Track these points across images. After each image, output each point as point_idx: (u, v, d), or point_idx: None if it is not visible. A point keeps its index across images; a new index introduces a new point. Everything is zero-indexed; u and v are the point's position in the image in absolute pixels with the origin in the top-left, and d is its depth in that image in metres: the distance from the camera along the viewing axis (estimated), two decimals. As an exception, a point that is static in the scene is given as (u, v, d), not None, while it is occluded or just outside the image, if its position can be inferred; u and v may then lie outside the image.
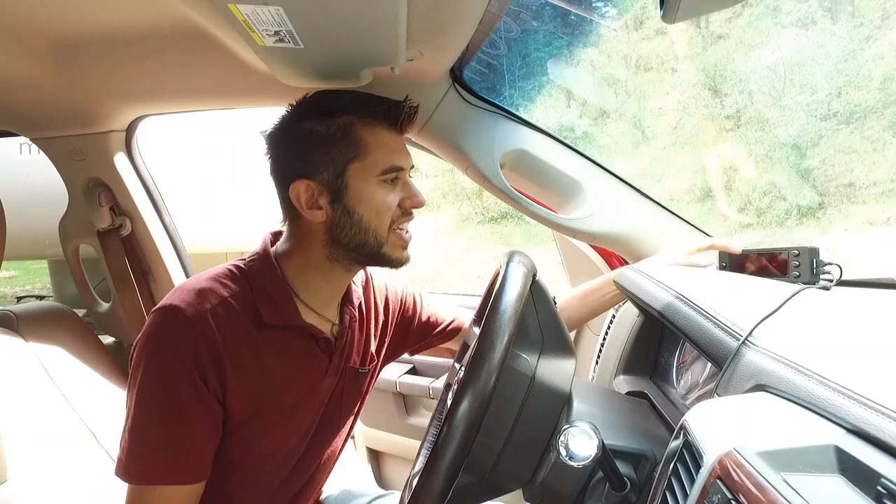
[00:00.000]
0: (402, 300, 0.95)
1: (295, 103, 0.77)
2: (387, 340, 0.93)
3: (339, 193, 0.73)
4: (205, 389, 0.68)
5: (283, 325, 0.75)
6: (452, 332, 1.00)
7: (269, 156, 0.78)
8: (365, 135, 0.73)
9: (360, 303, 0.87)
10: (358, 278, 0.89)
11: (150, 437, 0.68)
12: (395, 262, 0.78)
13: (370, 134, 0.73)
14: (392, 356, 0.97)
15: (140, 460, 0.68)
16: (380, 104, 0.75)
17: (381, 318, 0.91)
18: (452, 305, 1.03)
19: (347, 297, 0.84)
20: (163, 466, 0.67)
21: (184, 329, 0.68)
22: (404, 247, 0.78)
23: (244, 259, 0.78)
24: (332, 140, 0.72)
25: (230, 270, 0.76)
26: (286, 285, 0.76)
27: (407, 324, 0.96)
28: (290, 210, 0.76)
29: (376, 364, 0.91)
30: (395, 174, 0.75)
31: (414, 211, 0.78)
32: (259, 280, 0.75)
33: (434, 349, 1.03)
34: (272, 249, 0.78)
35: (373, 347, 0.89)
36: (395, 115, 0.75)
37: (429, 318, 0.98)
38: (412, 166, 0.78)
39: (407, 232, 0.78)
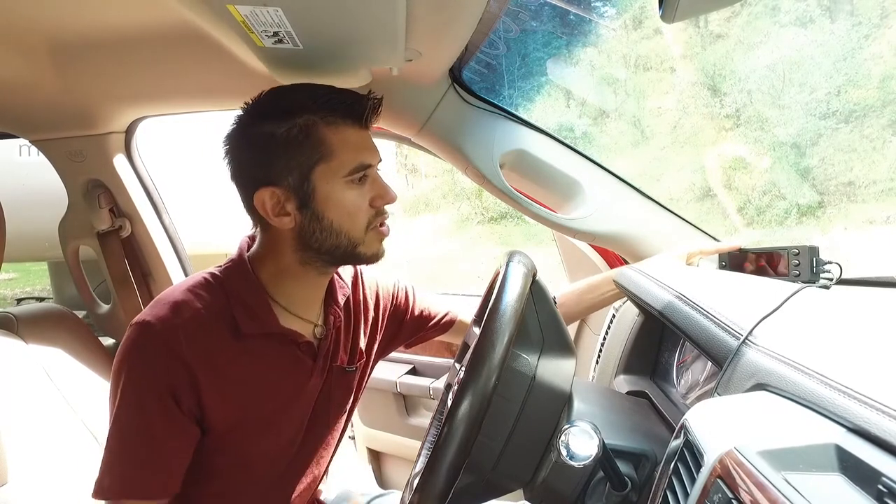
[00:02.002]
0: (393, 295, 0.94)
1: (249, 103, 0.72)
2: (378, 336, 0.91)
3: (307, 198, 0.69)
4: (176, 409, 0.68)
5: (261, 333, 0.73)
6: (446, 325, 0.99)
7: (227, 161, 0.73)
8: (328, 135, 0.69)
9: (348, 299, 0.85)
10: (347, 275, 0.87)
11: (120, 454, 0.68)
12: (372, 259, 0.75)
13: (334, 133, 0.69)
14: (385, 351, 0.95)
15: (110, 475, 0.68)
16: (341, 100, 0.70)
17: (372, 314, 0.89)
18: (447, 299, 1.02)
19: (332, 297, 0.81)
20: (130, 483, 0.67)
21: (155, 348, 0.67)
22: (381, 240, 0.75)
23: (220, 266, 0.76)
24: (294, 143, 0.68)
25: (206, 279, 0.74)
26: (262, 291, 0.74)
27: (399, 318, 0.95)
28: (257, 217, 0.73)
29: (367, 361, 0.89)
30: (363, 172, 0.71)
31: (389, 207, 0.75)
32: (235, 288, 0.73)
33: (434, 349, 1.03)
34: (248, 254, 0.76)
35: (362, 344, 0.87)
36: (359, 110, 0.71)
37: (422, 311, 0.97)
38: (380, 160, 0.75)
39: (384, 225, 0.75)
